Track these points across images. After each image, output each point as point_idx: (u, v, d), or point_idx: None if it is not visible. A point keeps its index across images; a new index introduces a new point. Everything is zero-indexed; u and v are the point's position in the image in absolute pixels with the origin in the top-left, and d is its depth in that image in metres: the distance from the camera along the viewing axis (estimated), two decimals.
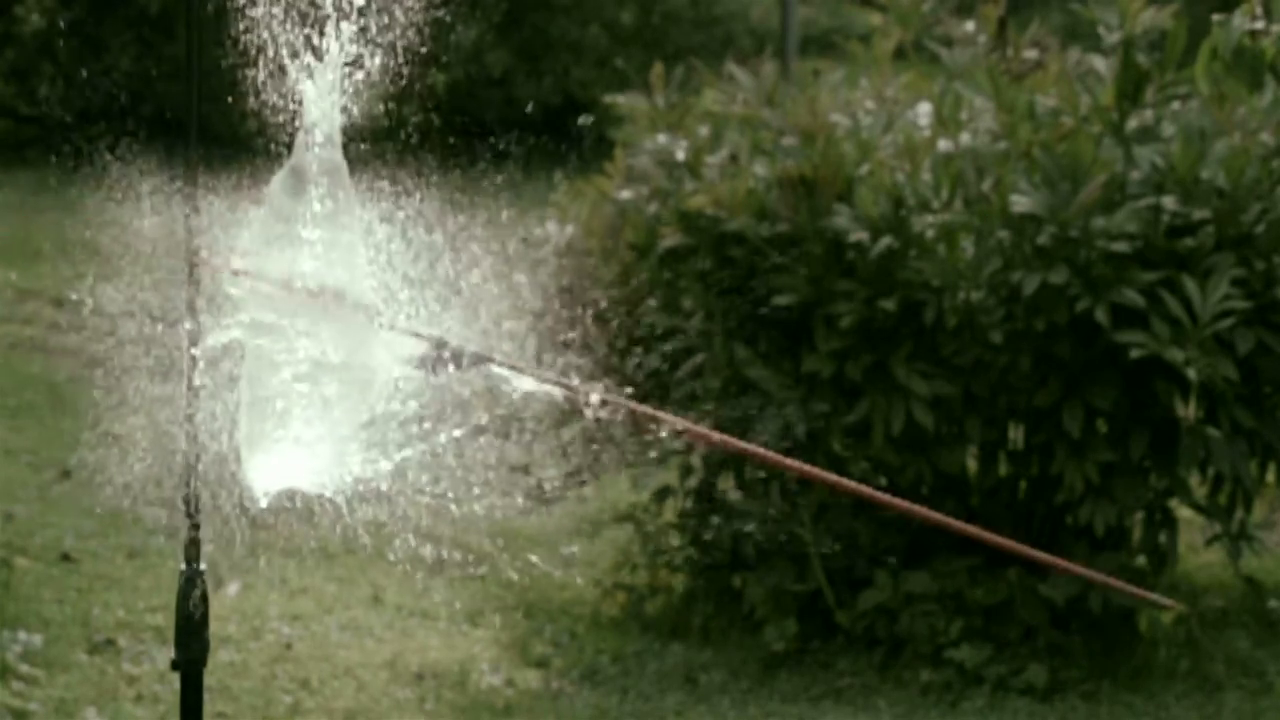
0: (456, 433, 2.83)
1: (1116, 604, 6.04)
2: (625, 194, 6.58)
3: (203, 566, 2.81)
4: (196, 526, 2.79)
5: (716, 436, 3.36)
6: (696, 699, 6.03)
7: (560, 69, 15.33)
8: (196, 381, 2.79)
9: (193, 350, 2.79)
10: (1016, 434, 6.31)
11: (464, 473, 2.82)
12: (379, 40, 2.83)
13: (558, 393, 2.80)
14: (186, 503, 2.80)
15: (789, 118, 6.44)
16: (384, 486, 2.78)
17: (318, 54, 2.75)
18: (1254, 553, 6.37)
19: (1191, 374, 5.83)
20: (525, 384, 2.77)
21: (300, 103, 2.75)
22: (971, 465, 6.35)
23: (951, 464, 6.15)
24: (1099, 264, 5.91)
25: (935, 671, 6.08)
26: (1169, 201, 6.01)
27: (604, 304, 6.33)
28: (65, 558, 6.90)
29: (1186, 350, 5.81)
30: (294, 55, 2.74)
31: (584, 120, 7.80)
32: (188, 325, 2.84)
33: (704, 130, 6.63)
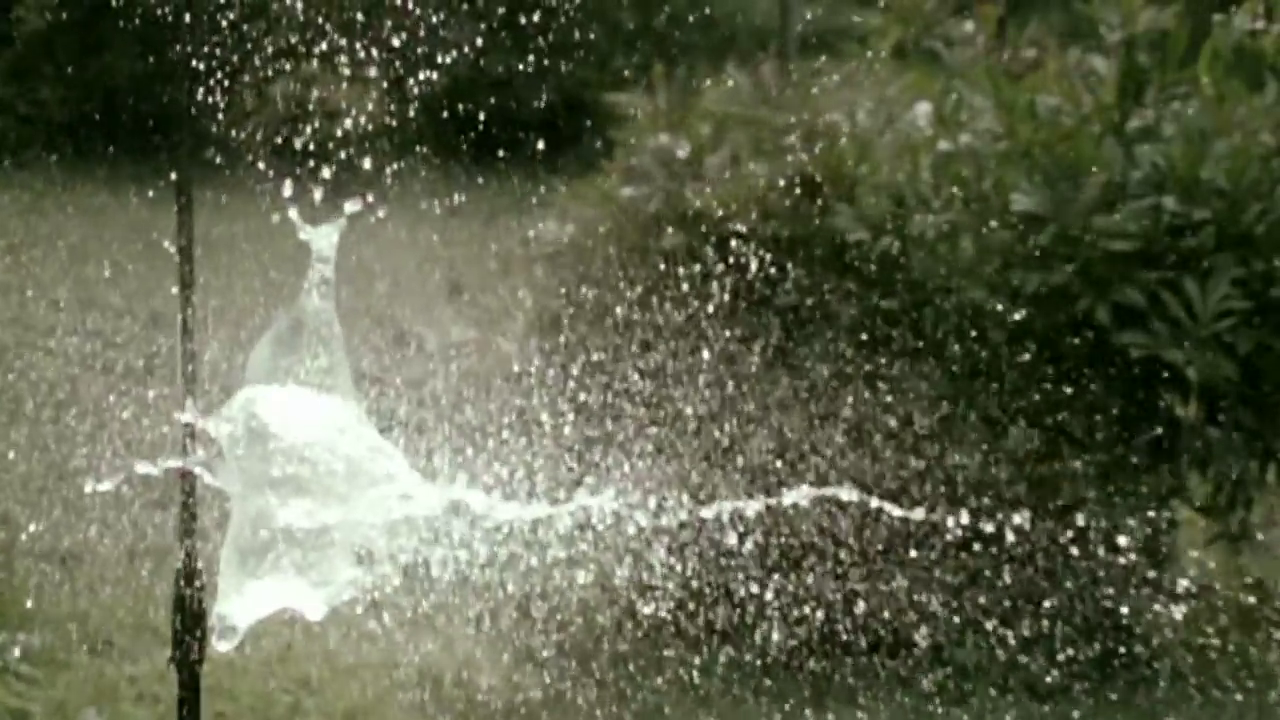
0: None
1: (1116, 604, 6.04)
2: (626, 192, 6.58)
3: (200, 566, 2.81)
4: (193, 527, 2.79)
5: None
6: (697, 699, 6.02)
7: (560, 69, 15.32)
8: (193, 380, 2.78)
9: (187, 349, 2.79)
10: (1017, 434, 6.31)
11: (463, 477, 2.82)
12: (382, 43, 2.84)
13: None
14: (183, 505, 2.80)
15: (789, 118, 6.44)
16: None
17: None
18: (1254, 553, 6.37)
19: (1191, 374, 5.83)
20: None
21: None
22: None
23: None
24: (1100, 264, 5.91)
25: (935, 671, 6.07)
26: (1169, 201, 6.01)
27: None
28: (65, 558, 6.89)
29: (1186, 350, 5.81)
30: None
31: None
32: (182, 334, 2.83)
33: (705, 130, 6.64)
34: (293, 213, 2.74)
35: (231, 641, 2.65)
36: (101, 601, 6.56)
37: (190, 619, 4.23)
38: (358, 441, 2.71)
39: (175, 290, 4.51)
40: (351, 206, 2.79)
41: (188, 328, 3.02)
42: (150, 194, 11.12)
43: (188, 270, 2.99)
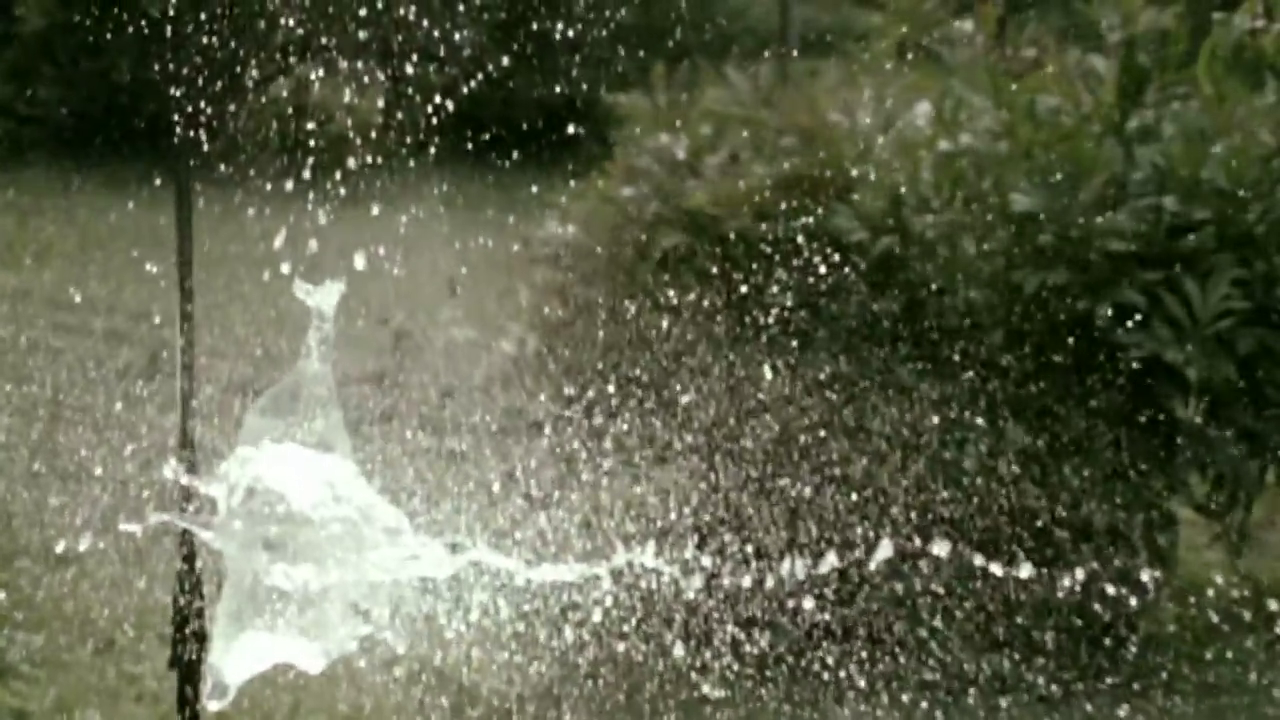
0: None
1: (1117, 605, 6.04)
2: (626, 192, 6.58)
3: (200, 566, 2.80)
4: (191, 569, 2.77)
5: None
6: (697, 700, 6.02)
7: (560, 69, 15.33)
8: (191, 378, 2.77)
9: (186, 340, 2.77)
10: (1016, 434, 6.31)
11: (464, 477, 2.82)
12: (384, 45, 2.83)
13: None
14: (182, 557, 2.79)
15: (789, 118, 6.44)
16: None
17: None
18: (1254, 553, 6.37)
19: (1191, 374, 5.83)
20: None
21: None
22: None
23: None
24: (1099, 264, 5.91)
25: (935, 671, 6.07)
26: (1169, 201, 6.02)
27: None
28: (65, 558, 6.90)
29: (1186, 350, 5.81)
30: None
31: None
32: (181, 330, 2.82)
33: (705, 130, 6.64)
34: (288, 268, 2.73)
35: (224, 700, 2.63)
36: (102, 601, 6.56)
37: (187, 667, 4.26)
38: (357, 504, 2.68)
39: (174, 291, 4.51)
40: (360, 262, 2.78)
41: (187, 365, 3.00)
42: (150, 195, 11.12)
43: (188, 306, 2.97)
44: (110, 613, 6.47)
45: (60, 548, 6.28)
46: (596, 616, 5.38)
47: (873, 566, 6.23)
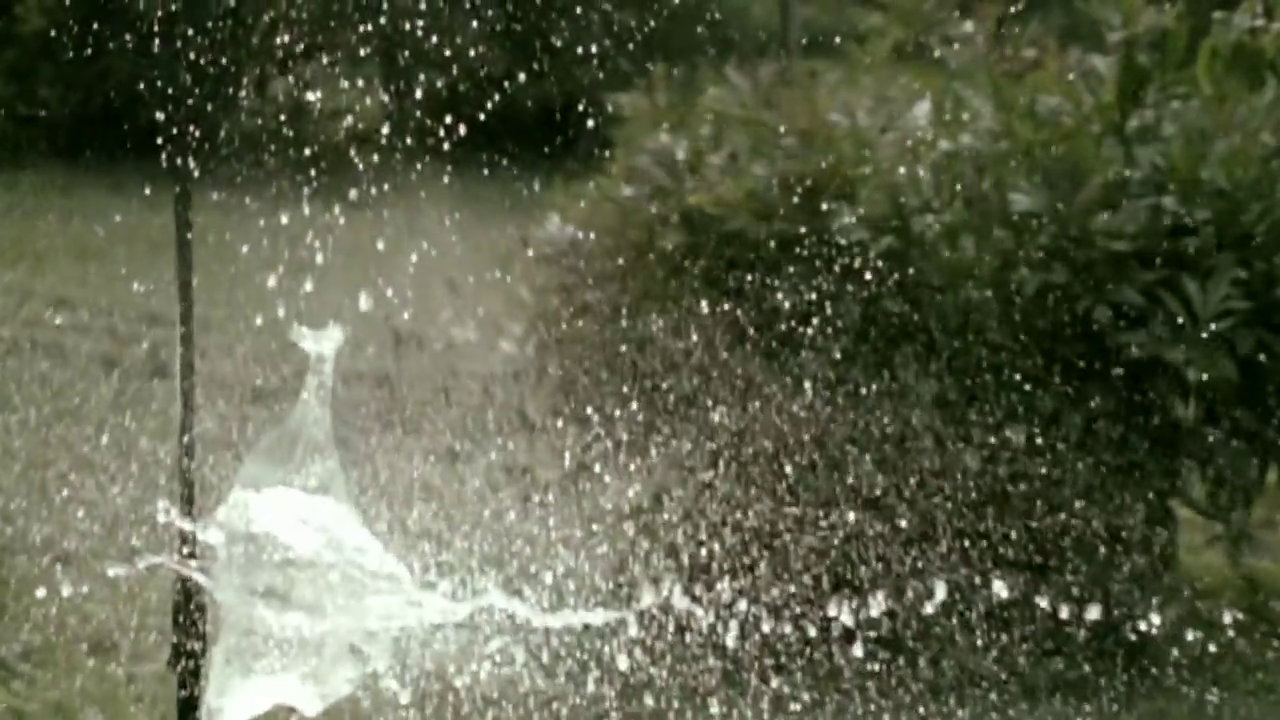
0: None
1: (1116, 605, 6.04)
2: (626, 192, 6.58)
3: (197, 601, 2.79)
4: (192, 528, 2.77)
5: None
6: (697, 701, 6.02)
7: (560, 69, 15.33)
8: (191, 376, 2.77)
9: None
10: (1016, 434, 6.31)
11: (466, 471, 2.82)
12: (383, 44, 2.83)
13: None
14: (182, 503, 2.79)
15: (789, 118, 6.44)
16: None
17: None
18: (1254, 553, 6.37)
19: (1191, 374, 5.84)
20: None
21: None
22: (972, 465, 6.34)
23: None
24: (1099, 264, 5.91)
25: (936, 672, 6.07)
26: (1169, 201, 6.02)
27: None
28: (65, 558, 6.89)
29: (1186, 350, 5.81)
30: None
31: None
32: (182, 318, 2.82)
33: (705, 130, 6.64)
34: (285, 312, 2.71)
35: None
36: (103, 601, 6.56)
37: (185, 703, 4.27)
38: (356, 550, 2.66)
39: (174, 289, 4.51)
40: (366, 304, 2.76)
41: (185, 391, 2.99)
42: (150, 199, 11.12)
43: (184, 329, 2.95)
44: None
45: (43, 591, 6.27)
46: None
47: (870, 567, 6.23)
